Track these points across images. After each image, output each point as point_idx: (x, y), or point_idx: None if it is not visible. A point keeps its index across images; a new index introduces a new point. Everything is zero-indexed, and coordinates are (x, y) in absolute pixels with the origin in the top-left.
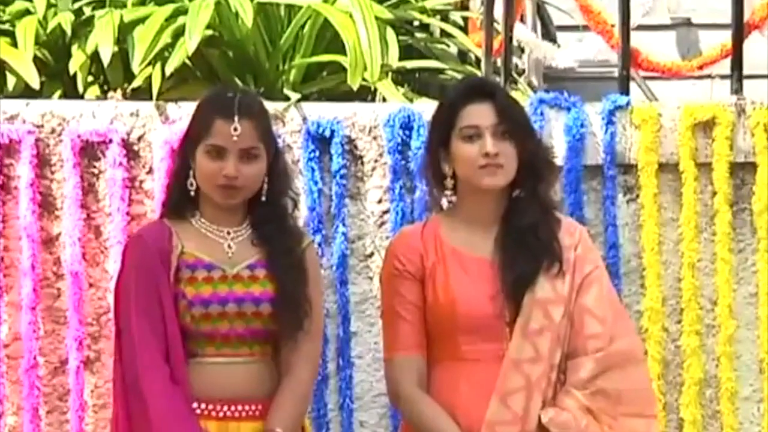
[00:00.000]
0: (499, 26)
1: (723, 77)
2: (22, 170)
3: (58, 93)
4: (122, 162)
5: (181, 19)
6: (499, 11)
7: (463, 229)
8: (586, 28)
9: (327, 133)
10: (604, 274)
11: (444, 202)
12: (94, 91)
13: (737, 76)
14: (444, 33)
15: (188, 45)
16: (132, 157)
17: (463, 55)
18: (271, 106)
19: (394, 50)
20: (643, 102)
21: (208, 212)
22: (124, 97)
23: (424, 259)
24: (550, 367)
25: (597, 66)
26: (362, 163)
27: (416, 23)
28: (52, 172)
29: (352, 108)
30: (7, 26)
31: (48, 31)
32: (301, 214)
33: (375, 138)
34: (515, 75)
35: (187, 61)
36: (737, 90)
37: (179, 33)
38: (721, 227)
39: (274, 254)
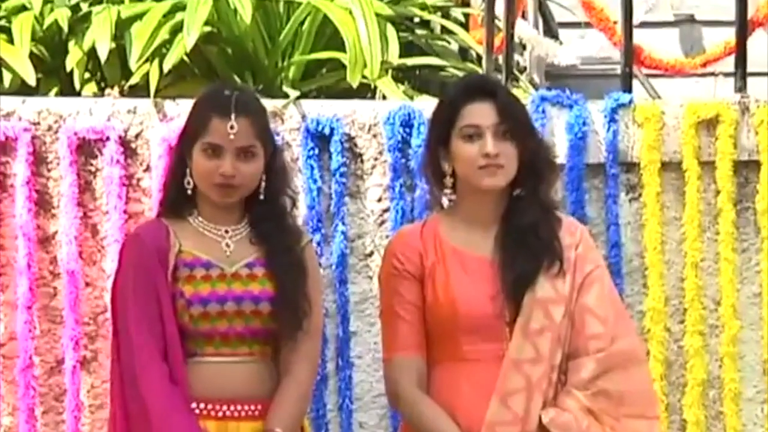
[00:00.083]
0: (501, 23)
1: (726, 75)
2: (18, 168)
3: (55, 90)
4: (119, 160)
5: (179, 16)
6: (500, 8)
7: (463, 228)
8: (588, 24)
9: (326, 131)
10: (605, 273)
11: (444, 201)
12: (91, 88)
13: (741, 73)
14: (445, 30)
15: (186, 41)
16: (129, 155)
17: (464, 52)
18: (270, 104)
19: (394, 47)
20: (645, 100)
21: (205, 211)
22: (122, 94)
23: (424, 258)
24: (550, 368)
25: (599, 63)
26: (362, 161)
27: (417, 20)
28: (49, 170)
29: (352, 105)
30: (3, 22)
31: (44, 27)
32: (300, 213)
33: (375, 136)
34: (516, 72)
35: (185, 58)
36: (741, 88)
37: (177, 29)
38: (725, 226)
39: (272, 253)
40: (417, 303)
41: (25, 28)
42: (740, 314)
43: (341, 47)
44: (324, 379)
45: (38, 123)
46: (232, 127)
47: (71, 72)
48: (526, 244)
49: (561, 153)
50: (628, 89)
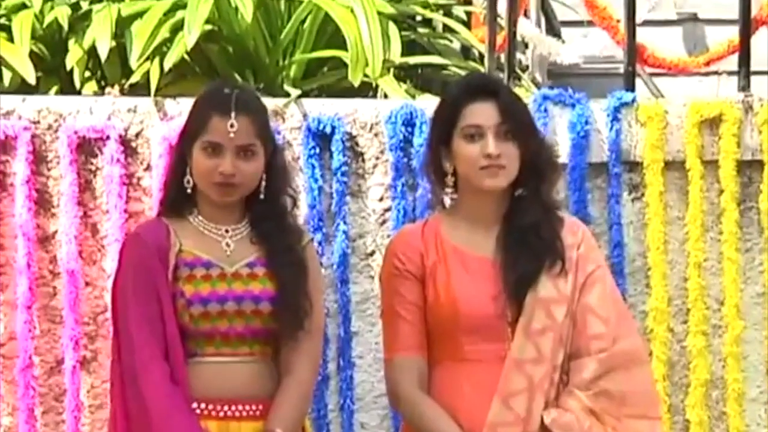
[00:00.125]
0: (503, 21)
1: (730, 74)
2: (18, 167)
3: (55, 88)
4: (120, 159)
5: (179, 14)
6: (502, 6)
7: (464, 228)
8: (591, 23)
9: (328, 130)
10: (608, 273)
11: (446, 200)
12: (92, 86)
13: (744, 72)
14: (447, 28)
15: (187, 40)
16: (130, 154)
17: (466, 51)
18: (271, 103)
19: (396, 46)
20: (648, 99)
21: (205, 210)
22: (122, 92)
23: (425, 258)
24: (552, 368)
25: (602, 62)
26: (363, 160)
27: (419, 18)
28: (49, 169)
29: (354, 104)
30: (3, 20)
31: (44, 25)
32: (302, 212)
33: (376, 135)
34: (519, 71)
35: (186, 57)
36: (744, 87)
37: (178, 28)
38: (728, 226)
39: (273, 252)
40: (418, 303)
41: (25, 26)
42: (743, 314)
43: (343, 46)
44: (325, 380)
45: (38, 122)
46: (232, 126)
47: (71, 70)
48: (528, 244)
49: (563, 152)
50: (631, 88)
